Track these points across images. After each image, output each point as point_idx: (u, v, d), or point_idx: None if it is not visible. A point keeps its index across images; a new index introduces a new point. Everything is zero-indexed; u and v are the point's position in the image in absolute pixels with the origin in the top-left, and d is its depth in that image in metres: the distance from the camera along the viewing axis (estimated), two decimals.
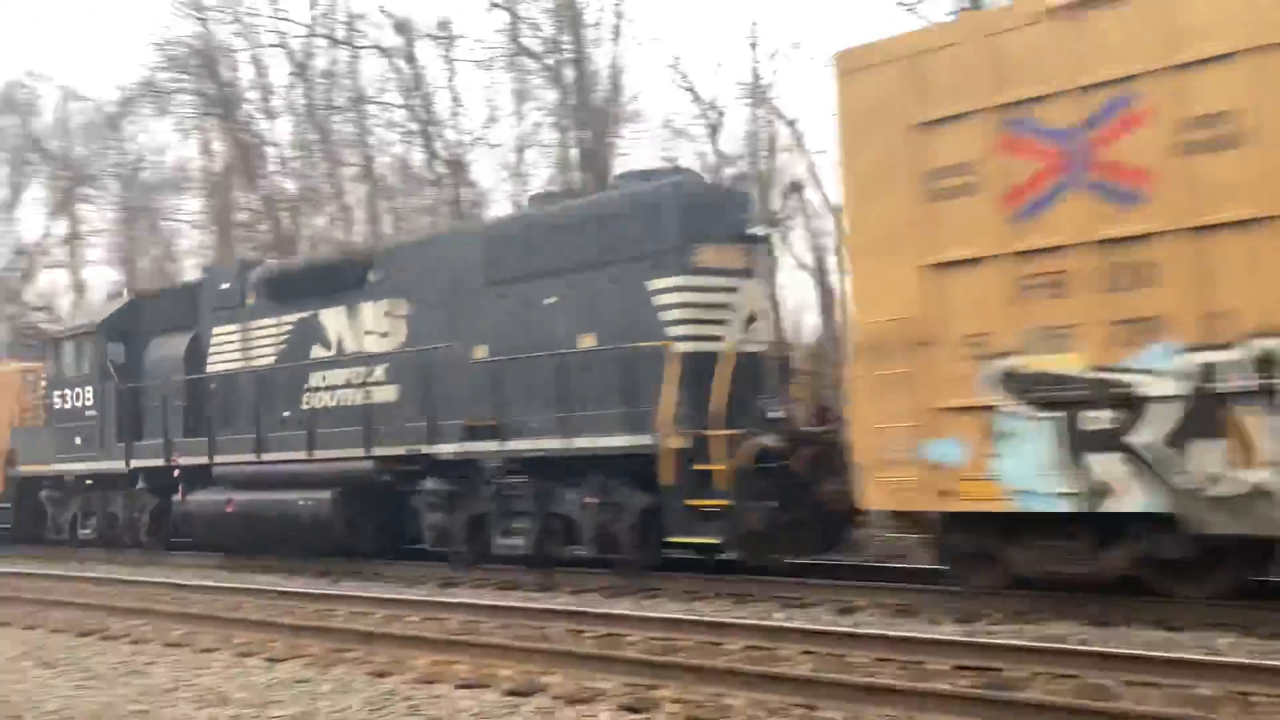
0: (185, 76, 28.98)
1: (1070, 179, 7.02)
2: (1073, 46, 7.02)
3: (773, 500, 8.96)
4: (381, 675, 6.57)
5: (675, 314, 9.57)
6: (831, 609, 8.12)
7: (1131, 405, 6.82)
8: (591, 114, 22.45)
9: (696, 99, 23.39)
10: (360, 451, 11.90)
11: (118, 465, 15.04)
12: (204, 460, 13.70)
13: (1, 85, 37.37)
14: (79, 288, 35.87)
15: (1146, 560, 7.09)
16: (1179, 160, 6.63)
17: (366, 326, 12.25)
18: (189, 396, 14.27)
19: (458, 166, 24.69)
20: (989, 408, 7.32)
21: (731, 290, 9.77)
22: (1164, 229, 6.67)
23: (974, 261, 7.38)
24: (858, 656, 6.17)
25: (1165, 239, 6.67)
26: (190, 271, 31.23)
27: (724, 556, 9.63)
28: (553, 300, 10.41)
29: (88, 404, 15.65)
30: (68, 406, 16.03)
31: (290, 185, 30.01)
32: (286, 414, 12.82)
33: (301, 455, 12.51)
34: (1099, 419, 6.91)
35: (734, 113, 25.57)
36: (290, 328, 13.12)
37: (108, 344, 15.36)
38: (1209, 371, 6.53)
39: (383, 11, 26.30)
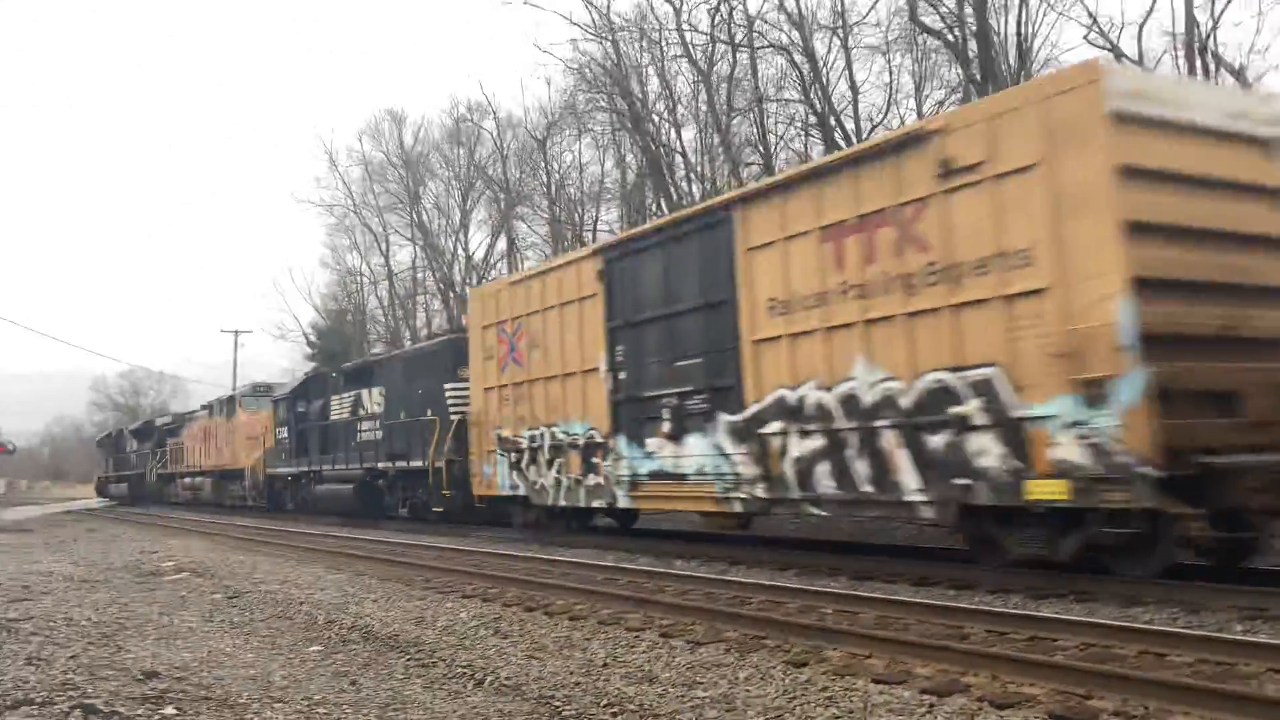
0: (600, 96, 30.96)
1: (510, 356, 16.78)
2: (511, 299, 16.71)
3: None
4: (798, 665, 6.59)
5: (449, 401, 19.79)
6: None
7: (521, 451, 16.28)
8: (999, 86, 20.21)
9: (1119, 57, 20.50)
10: (359, 465, 23.39)
11: (295, 470, 27.65)
12: (319, 468, 25.89)
13: (451, 122, 42.83)
14: None
15: (538, 518, 16.53)
16: (530, 351, 16.16)
17: (375, 400, 23.31)
18: (319, 434, 26.26)
19: None
20: (494, 450, 17.12)
21: None
22: (529, 379, 16.10)
23: (491, 388, 17.17)
24: None
25: (528, 384, 16.14)
26: None
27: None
28: (420, 391, 21.09)
29: (285, 437, 28.35)
30: (280, 437, 28.74)
31: (696, 189, 30.23)
32: (353, 444, 24.11)
33: (343, 467, 24.22)
34: (518, 456, 16.39)
35: (1165, 68, 21.07)
36: (353, 398, 24.38)
37: (295, 401, 27.97)
38: (537, 438, 15.96)
39: (781, 9, 25.24)
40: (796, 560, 11.77)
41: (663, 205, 30.89)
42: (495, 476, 17.03)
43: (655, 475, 13.34)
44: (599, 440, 14.41)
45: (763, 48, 26.44)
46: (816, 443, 10.83)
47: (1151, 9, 20.92)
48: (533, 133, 37.41)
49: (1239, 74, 20.32)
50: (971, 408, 9.30)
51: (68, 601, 10.72)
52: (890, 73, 26.90)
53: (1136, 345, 8.08)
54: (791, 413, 11.11)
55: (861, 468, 10.34)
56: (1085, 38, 21.59)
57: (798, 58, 25.25)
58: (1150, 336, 8.10)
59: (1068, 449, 8.55)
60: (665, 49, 29.63)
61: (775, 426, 11.33)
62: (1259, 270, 8.87)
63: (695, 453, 12.58)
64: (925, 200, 9.72)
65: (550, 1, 40.03)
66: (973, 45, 21.94)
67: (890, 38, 25.16)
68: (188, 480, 37.48)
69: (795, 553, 12.48)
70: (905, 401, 9.93)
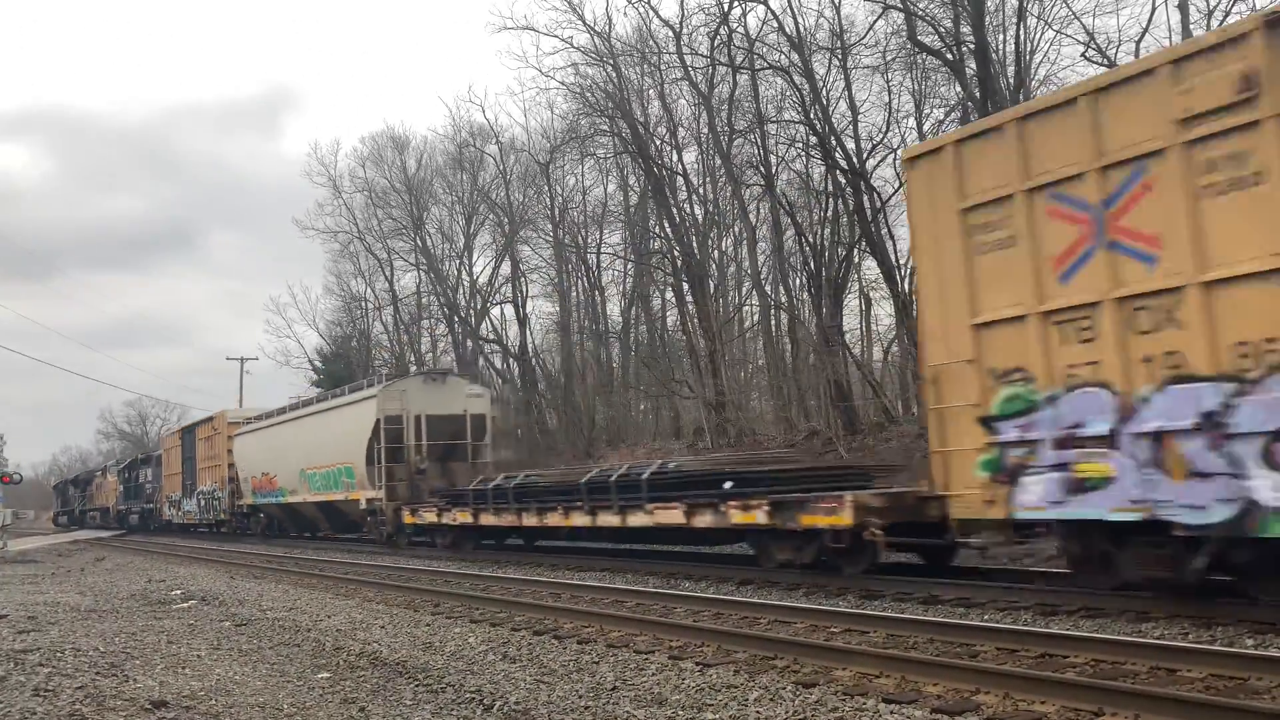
0: (602, 120, 30.84)
1: (167, 460, 40.13)
2: (171, 442, 41.55)
3: None
4: (808, 685, 6.54)
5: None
6: None
7: (173, 502, 40.31)
8: (998, 105, 20.41)
9: None
10: (142, 505, 45.02)
11: (124, 507, 48.19)
12: (132, 507, 46.68)
13: (454, 147, 42.65)
14: (523, 322, 39.74)
15: (178, 528, 39.50)
16: (170, 461, 40.17)
17: (149, 475, 43.70)
18: (134, 489, 46.19)
19: (857, 176, 24.12)
20: (168, 501, 40.54)
21: None
22: (170, 474, 40.32)
23: (169, 474, 40.23)
24: None
25: (170, 475, 40.51)
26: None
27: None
28: (160, 471, 41.52)
29: (122, 490, 48.75)
30: (119, 490, 48.95)
31: (698, 211, 30.86)
32: (142, 495, 44.23)
33: (138, 507, 45.61)
34: (171, 505, 39.78)
35: None
36: (146, 472, 44.68)
37: (129, 471, 47.94)
38: (172, 497, 40.63)
39: (780, 30, 25.29)
40: (805, 580, 11.83)
41: (666, 227, 31.15)
42: (168, 512, 38.39)
43: (186, 511, 35.74)
44: (179, 499, 36.15)
45: (762, 69, 26.38)
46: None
47: (1148, 26, 21.48)
48: (535, 157, 37.56)
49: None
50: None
51: (75, 631, 10.75)
52: (890, 92, 26.99)
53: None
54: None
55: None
56: (1083, 54, 21.83)
57: (797, 79, 25.23)
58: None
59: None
60: (665, 72, 29.73)
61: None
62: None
63: (194, 503, 35.37)
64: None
65: (549, 25, 40.33)
66: (971, 63, 21.94)
67: (889, 58, 25.21)
68: (91, 513, 56.53)
69: (801, 572, 12.39)
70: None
